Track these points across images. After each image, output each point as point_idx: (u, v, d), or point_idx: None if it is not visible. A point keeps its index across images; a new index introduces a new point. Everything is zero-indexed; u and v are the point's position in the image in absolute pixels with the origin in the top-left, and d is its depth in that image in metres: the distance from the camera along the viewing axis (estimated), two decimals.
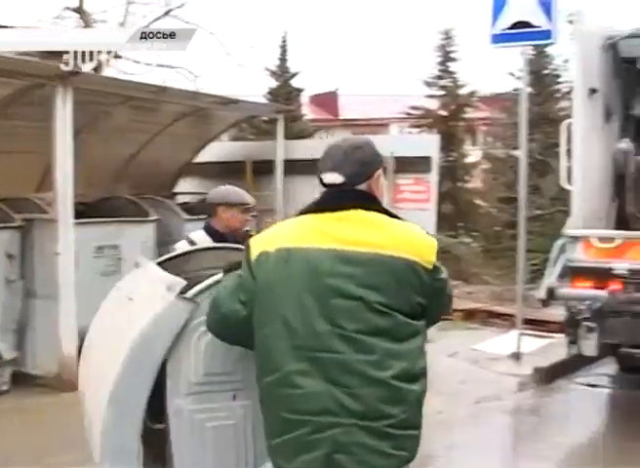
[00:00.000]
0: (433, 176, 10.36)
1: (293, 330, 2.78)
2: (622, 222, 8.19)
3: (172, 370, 3.17)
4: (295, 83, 21.55)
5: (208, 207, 5.17)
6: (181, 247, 4.57)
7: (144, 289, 3.60)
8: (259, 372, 2.88)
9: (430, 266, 2.84)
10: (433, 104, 21.06)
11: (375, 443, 2.71)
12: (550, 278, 7.04)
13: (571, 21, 8.04)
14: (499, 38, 9.46)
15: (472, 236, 19.22)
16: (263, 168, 11.82)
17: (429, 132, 19.78)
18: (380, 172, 3.04)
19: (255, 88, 20.71)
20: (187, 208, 10.35)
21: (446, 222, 18.99)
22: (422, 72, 21.28)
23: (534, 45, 15.55)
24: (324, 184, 3.00)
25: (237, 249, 3.63)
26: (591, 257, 7.12)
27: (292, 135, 14.88)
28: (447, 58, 20.89)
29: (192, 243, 4.78)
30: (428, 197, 10.17)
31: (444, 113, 20.44)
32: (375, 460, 2.71)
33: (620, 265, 6.70)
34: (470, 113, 21.00)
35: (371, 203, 2.94)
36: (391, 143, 11.12)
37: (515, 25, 9.36)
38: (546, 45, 15.98)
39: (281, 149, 11.71)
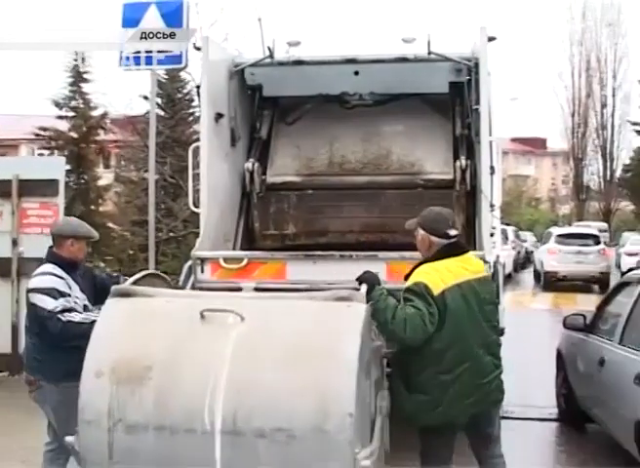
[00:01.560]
0: (60, 200, 9.98)
1: (473, 330, 4.88)
2: (251, 241, 8.52)
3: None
4: None
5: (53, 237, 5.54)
6: (47, 280, 5.29)
7: (263, 307, 4.79)
8: (453, 362, 4.80)
9: None
10: (64, 126, 20.49)
11: (502, 382, 5.12)
12: None
13: (198, 48, 8.19)
14: (128, 61, 9.42)
15: (106, 260, 18.92)
16: None
17: (61, 154, 19.20)
18: None
19: None
20: None
21: None
22: (53, 92, 20.65)
23: (165, 69, 15.82)
24: (449, 236, 5.04)
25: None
26: (220, 278, 7.27)
27: None
28: (79, 78, 20.46)
29: (56, 275, 5.35)
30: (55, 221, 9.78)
31: (75, 135, 19.97)
32: (503, 393, 5.19)
33: (249, 284, 6.91)
34: (102, 135, 20.72)
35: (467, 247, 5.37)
36: (16, 165, 10.58)
37: (145, 49, 9.38)
38: (179, 69, 16.32)
39: None
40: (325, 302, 4.61)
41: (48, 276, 5.31)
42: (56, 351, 5.23)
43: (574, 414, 7.87)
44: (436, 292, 4.73)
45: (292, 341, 4.41)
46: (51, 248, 5.53)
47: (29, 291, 5.35)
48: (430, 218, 5.11)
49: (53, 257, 5.45)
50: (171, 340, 4.56)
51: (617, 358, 6.53)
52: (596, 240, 25.41)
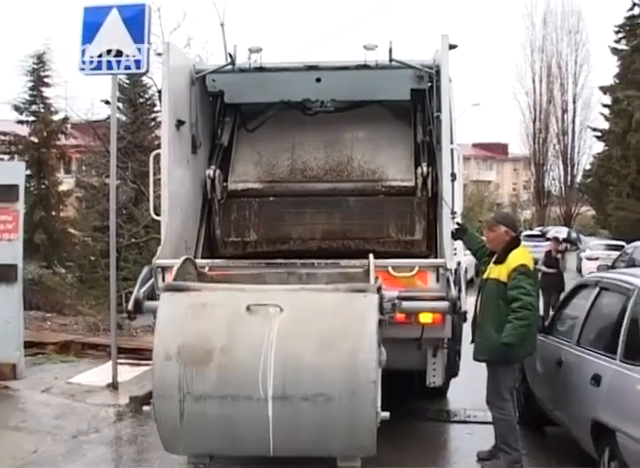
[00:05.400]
0: (20, 206, 9.82)
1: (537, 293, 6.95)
2: (212, 248, 8.48)
3: None
4: None
5: None
6: None
7: (300, 300, 5.85)
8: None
9: None
10: (24, 130, 20.26)
11: None
12: (138, 291, 6.96)
13: (159, 54, 8.15)
14: (88, 65, 9.32)
15: (67, 266, 18.75)
16: None
17: (21, 159, 18.97)
18: None
19: None
20: None
21: (39, 253, 18.32)
22: (13, 96, 20.40)
23: (126, 74, 15.72)
24: (518, 232, 7.33)
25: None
26: None
27: None
28: (40, 82, 20.25)
29: None
30: (15, 227, 9.63)
31: (35, 140, 19.76)
32: None
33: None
34: (63, 140, 20.52)
35: None
36: None
37: (107, 53, 9.29)
38: (141, 74, 16.20)
39: None
40: (347, 293, 5.86)
41: None
42: None
43: (532, 414, 7.93)
44: (531, 268, 6.81)
45: (324, 325, 5.64)
46: None
47: None
48: (510, 219, 7.51)
49: None
50: (224, 328, 5.68)
51: (574, 359, 6.72)
52: (547, 238, 34.89)
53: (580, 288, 7.80)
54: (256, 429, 5.57)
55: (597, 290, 7.02)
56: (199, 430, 5.67)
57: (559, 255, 15.25)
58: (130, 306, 6.84)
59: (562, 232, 39.98)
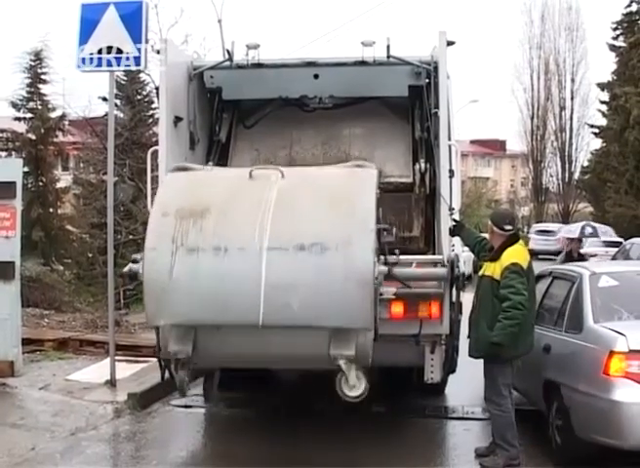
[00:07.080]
0: (18, 202, 9.81)
1: (533, 291, 6.92)
2: None
3: None
4: None
5: None
6: None
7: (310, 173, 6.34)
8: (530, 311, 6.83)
9: None
10: (22, 127, 20.23)
11: None
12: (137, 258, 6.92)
13: (158, 51, 8.15)
14: (86, 62, 9.30)
15: (65, 263, 18.72)
16: None
17: (18, 156, 18.94)
18: None
19: None
20: None
21: (37, 250, 18.31)
22: (10, 93, 20.37)
23: (124, 71, 15.70)
24: (504, 229, 6.88)
25: None
26: None
27: None
28: (37, 79, 20.20)
29: None
30: (12, 224, 9.62)
31: (33, 137, 19.73)
32: None
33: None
34: (61, 137, 20.49)
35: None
36: None
37: (104, 50, 9.27)
38: (138, 71, 16.17)
39: None
40: (346, 168, 6.20)
41: None
42: None
43: None
44: (525, 266, 6.73)
45: (324, 190, 5.83)
46: None
47: None
48: (499, 216, 7.24)
49: None
50: (225, 192, 5.86)
51: None
52: (555, 233, 40.67)
53: (538, 278, 8.56)
54: (247, 287, 5.42)
55: (550, 279, 8.35)
56: (187, 289, 5.48)
57: (583, 256, 14.87)
58: (126, 269, 6.80)
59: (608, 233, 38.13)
